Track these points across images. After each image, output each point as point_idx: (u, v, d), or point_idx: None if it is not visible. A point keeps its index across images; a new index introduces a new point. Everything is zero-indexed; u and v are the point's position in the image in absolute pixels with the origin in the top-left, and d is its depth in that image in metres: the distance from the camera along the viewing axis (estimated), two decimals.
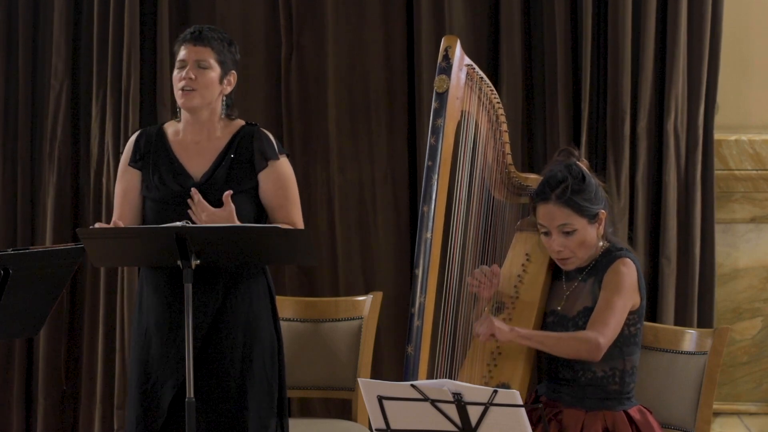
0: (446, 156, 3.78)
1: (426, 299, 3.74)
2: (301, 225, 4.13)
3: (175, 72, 4.11)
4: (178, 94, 4.10)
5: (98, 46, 5.40)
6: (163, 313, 4.07)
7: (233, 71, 4.15)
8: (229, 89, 4.15)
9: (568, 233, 3.90)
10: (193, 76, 4.06)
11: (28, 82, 5.49)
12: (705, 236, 5.17)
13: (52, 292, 3.65)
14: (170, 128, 4.20)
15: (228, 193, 3.98)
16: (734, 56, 5.31)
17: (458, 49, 3.82)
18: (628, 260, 3.92)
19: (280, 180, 4.14)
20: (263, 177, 4.12)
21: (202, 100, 4.09)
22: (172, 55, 4.24)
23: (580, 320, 3.91)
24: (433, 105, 3.79)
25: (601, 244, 3.97)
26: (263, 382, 4.09)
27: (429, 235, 3.76)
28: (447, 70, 3.79)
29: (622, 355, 3.90)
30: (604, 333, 3.81)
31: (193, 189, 4.01)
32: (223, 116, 4.16)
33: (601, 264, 3.94)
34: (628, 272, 3.90)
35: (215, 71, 4.09)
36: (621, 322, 3.86)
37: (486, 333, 3.82)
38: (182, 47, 4.11)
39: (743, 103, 5.37)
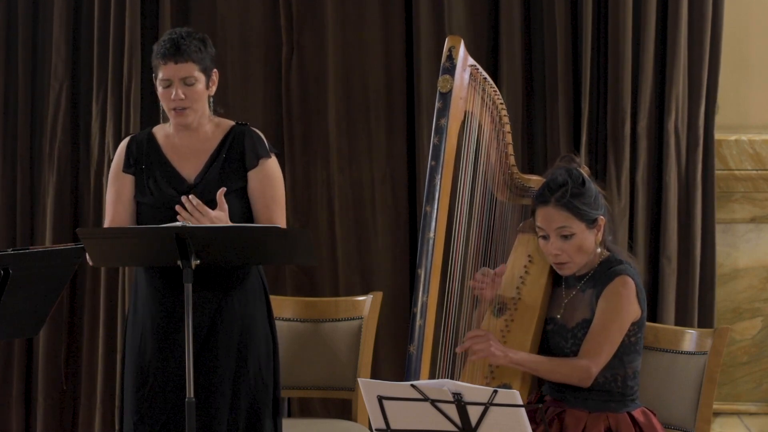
0: (449, 156, 3.77)
1: (428, 299, 3.74)
2: (283, 226, 4.10)
3: (160, 89, 4.06)
4: (171, 114, 4.07)
5: (98, 46, 5.40)
6: (160, 316, 4.06)
7: (214, 69, 4.13)
8: (214, 89, 4.13)
9: (566, 237, 3.89)
10: (183, 96, 4.03)
11: (28, 82, 5.48)
12: (705, 236, 5.17)
13: (52, 292, 3.64)
14: (160, 132, 4.18)
15: (221, 190, 3.97)
16: (734, 56, 5.31)
17: (462, 50, 3.81)
18: (628, 279, 3.89)
19: (268, 179, 4.12)
20: (252, 175, 4.11)
21: (195, 114, 4.08)
22: None
23: (579, 332, 3.90)
24: (437, 105, 3.78)
25: (599, 251, 3.96)
26: (258, 382, 4.08)
27: (432, 235, 3.75)
28: (450, 70, 3.78)
29: (623, 363, 3.90)
30: (596, 362, 3.84)
31: (191, 196, 3.98)
32: (211, 115, 4.16)
33: (600, 275, 3.93)
34: (627, 294, 3.88)
35: (201, 82, 4.06)
36: (616, 346, 3.87)
37: (481, 353, 3.83)
38: (162, 65, 4.04)
39: (743, 103, 5.37)
